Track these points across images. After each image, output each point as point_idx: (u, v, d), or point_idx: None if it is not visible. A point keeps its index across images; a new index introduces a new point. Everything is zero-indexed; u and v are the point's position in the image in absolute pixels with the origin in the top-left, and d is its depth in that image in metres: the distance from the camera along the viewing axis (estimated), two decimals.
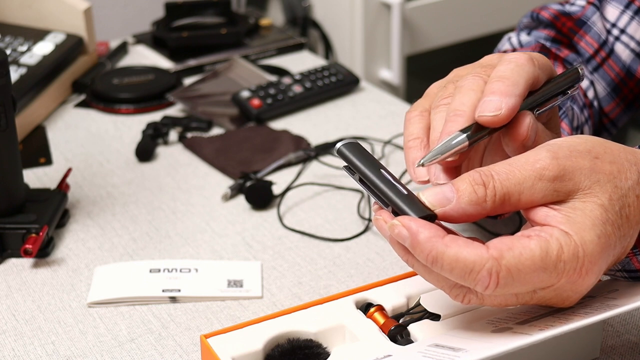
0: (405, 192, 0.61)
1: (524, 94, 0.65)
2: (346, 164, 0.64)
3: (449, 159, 0.64)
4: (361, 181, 0.63)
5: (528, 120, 0.65)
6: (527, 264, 0.57)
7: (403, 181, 0.99)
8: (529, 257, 0.57)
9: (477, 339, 0.63)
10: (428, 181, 0.68)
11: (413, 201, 0.60)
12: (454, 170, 0.66)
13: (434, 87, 0.73)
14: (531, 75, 0.65)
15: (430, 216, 0.59)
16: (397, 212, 0.61)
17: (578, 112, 0.91)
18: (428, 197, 0.60)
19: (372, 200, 0.64)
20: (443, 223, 0.61)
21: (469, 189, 0.59)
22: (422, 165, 0.63)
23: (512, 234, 0.60)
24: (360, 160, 0.63)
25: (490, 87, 0.64)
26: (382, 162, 1.04)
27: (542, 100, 0.67)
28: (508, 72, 0.65)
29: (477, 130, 0.64)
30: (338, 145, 0.64)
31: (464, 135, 0.63)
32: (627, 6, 0.93)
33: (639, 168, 0.61)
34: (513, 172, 0.59)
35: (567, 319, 0.60)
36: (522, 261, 0.57)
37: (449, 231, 0.59)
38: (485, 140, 0.68)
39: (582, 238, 0.58)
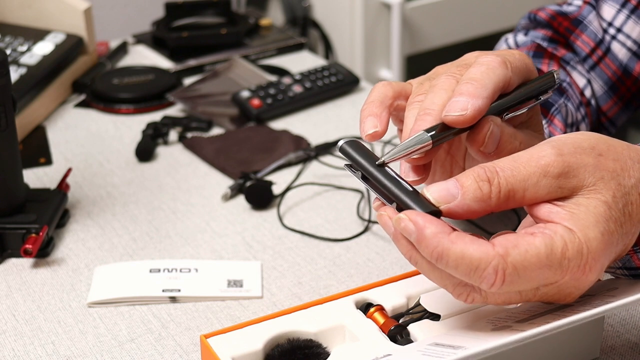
0: (410, 189, 0.61)
1: (492, 97, 0.65)
2: (348, 162, 0.64)
3: (415, 157, 0.64)
4: (364, 178, 0.63)
5: (487, 128, 0.65)
6: (532, 261, 0.57)
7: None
8: (534, 254, 0.57)
9: (477, 337, 0.63)
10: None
11: (418, 197, 0.60)
12: (422, 167, 0.66)
13: (414, 81, 0.73)
14: (502, 79, 0.66)
15: (435, 212, 0.59)
16: (402, 208, 0.60)
17: (573, 110, 0.91)
18: (433, 193, 0.60)
19: (373, 199, 0.64)
20: (446, 220, 0.61)
21: (473, 185, 0.59)
22: (384, 162, 0.63)
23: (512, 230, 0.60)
24: (363, 157, 0.63)
25: (458, 89, 0.65)
26: None
27: (513, 104, 0.68)
28: (478, 74, 0.65)
29: (443, 130, 0.65)
30: (340, 143, 0.65)
31: (428, 134, 0.64)
32: (623, 5, 0.93)
33: None
34: (518, 169, 0.59)
35: (566, 317, 0.60)
36: (527, 258, 0.57)
37: (452, 228, 0.60)
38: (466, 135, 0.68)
39: (586, 235, 0.58)
